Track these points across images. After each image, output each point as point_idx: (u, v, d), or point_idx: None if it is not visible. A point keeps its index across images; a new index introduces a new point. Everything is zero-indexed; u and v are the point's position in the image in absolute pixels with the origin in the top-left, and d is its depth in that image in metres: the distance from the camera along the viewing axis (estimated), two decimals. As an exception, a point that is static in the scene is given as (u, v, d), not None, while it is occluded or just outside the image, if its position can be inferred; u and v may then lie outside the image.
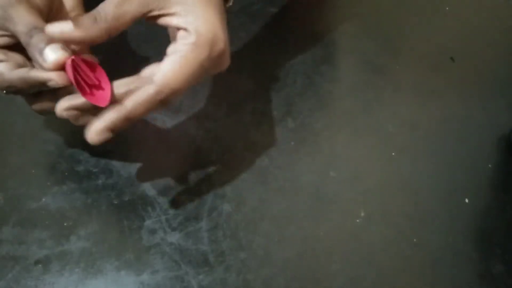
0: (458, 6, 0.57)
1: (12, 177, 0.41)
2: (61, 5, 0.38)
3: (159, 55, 0.50)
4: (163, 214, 0.40)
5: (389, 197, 0.42)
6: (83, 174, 0.41)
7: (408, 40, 0.54)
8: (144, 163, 0.42)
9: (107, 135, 0.34)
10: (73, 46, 0.35)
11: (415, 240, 0.40)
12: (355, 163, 0.44)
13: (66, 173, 0.41)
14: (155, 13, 0.33)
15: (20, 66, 0.34)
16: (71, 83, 0.33)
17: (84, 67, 0.33)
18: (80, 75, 0.33)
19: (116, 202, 0.40)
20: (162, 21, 0.34)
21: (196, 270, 0.37)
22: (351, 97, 0.48)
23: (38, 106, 0.36)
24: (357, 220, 0.41)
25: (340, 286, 0.38)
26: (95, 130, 0.33)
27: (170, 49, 0.34)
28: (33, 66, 0.35)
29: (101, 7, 0.32)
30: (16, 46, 0.35)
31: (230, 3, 0.39)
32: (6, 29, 0.34)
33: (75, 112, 0.34)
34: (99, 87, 0.34)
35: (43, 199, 0.40)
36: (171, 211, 0.40)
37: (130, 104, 0.33)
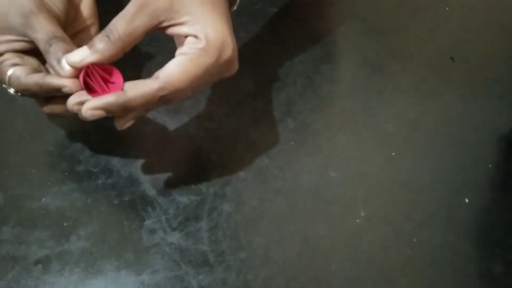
0: (458, 6, 0.57)
1: (12, 177, 0.41)
2: (77, 13, 0.39)
3: (161, 55, 0.50)
4: (163, 214, 0.40)
5: (389, 197, 0.42)
6: (83, 174, 0.41)
7: (408, 40, 0.54)
8: (144, 163, 0.42)
9: (100, 113, 0.33)
10: None
11: (415, 240, 0.40)
12: (355, 163, 0.44)
13: (66, 173, 0.41)
14: (165, 24, 0.34)
15: (36, 70, 0.36)
16: (83, 89, 0.34)
17: (99, 72, 0.34)
18: (94, 80, 0.34)
19: (116, 202, 0.40)
20: (172, 31, 0.35)
21: (196, 270, 0.37)
22: (351, 97, 0.48)
23: (49, 109, 0.37)
24: (357, 220, 0.41)
25: (340, 286, 0.38)
26: (91, 106, 0.33)
27: (178, 52, 0.35)
28: (47, 71, 0.36)
29: (113, 25, 0.33)
30: (32, 51, 0.36)
31: (235, 7, 0.40)
32: (25, 35, 0.35)
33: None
34: (113, 88, 0.34)
35: (43, 199, 0.40)
36: (171, 211, 0.40)
37: (131, 93, 0.33)
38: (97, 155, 0.41)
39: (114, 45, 0.33)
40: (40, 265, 0.37)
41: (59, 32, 0.35)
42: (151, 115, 0.45)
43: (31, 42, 0.35)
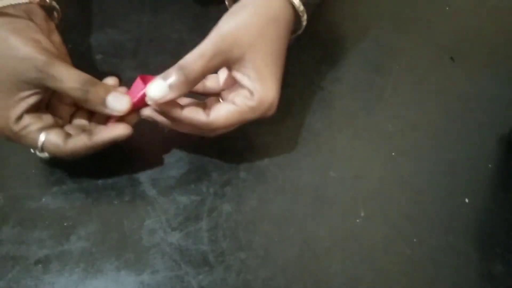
0: (458, 6, 0.57)
1: (12, 177, 0.41)
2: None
3: (161, 55, 0.50)
4: (163, 214, 0.40)
5: (389, 197, 0.42)
6: (83, 174, 0.41)
7: (408, 40, 0.54)
8: (144, 163, 0.42)
9: (160, 118, 0.38)
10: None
11: (415, 240, 0.40)
12: (355, 163, 0.44)
13: (66, 173, 0.41)
14: (233, 70, 0.37)
15: (52, 126, 0.37)
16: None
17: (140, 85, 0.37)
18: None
19: (116, 202, 0.40)
20: (236, 75, 0.37)
21: (196, 270, 0.37)
22: (351, 97, 0.48)
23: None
24: (357, 220, 0.41)
25: (340, 286, 0.37)
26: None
27: (231, 96, 0.38)
28: (59, 124, 0.38)
29: (189, 65, 0.35)
30: (41, 103, 0.37)
31: (299, 32, 0.43)
32: (41, 87, 0.35)
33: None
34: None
35: (43, 199, 0.40)
36: (171, 211, 0.40)
37: (182, 114, 0.36)
38: (97, 155, 0.41)
39: (190, 84, 0.35)
40: (40, 265, 0.37)
41: (83, 75, 0.35)
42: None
43: (44, 92, 0.36)
